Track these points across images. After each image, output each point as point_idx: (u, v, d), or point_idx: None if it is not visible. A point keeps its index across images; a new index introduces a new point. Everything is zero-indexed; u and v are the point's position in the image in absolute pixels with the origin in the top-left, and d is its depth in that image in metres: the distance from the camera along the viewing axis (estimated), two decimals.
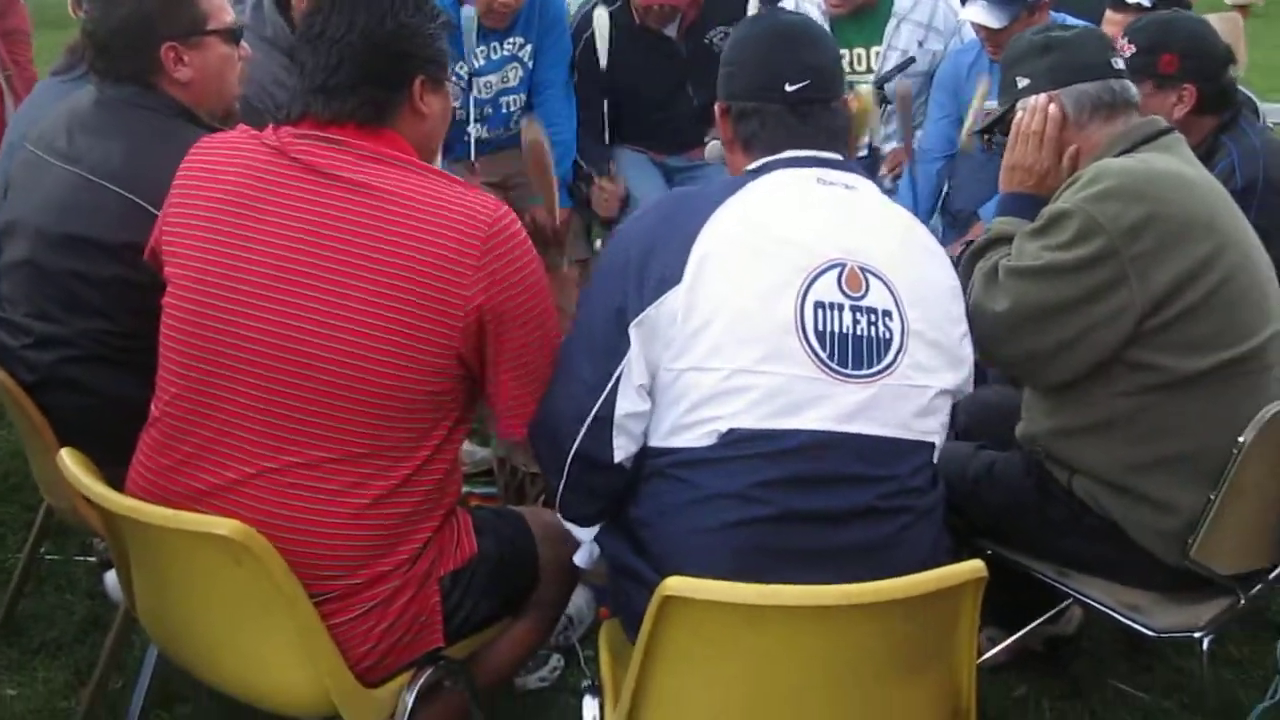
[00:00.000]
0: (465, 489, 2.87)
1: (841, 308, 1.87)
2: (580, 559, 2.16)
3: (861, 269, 1.89)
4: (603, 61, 3.98)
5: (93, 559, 3.14)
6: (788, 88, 2.04)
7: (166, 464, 1.97)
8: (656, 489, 1.92)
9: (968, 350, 2.00)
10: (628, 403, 1.90)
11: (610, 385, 1.90)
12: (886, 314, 1.89)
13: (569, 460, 1.96)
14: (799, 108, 2.04)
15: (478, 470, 3.44)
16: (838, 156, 2.06)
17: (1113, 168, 2.20)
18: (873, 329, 1.87)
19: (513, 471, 3.08)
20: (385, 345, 1.86)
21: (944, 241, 3.58)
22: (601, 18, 3.95)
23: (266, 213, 1.91)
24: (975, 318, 2.12)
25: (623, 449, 1.92)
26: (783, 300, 1.85)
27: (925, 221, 3.82)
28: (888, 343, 1.88)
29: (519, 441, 2.09)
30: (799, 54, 2.08)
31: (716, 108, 2.15)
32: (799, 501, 1.82)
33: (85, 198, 2.31)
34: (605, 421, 1.91)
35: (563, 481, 2.00)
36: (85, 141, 2.37)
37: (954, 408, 2.01)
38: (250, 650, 1.97)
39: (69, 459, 2.00)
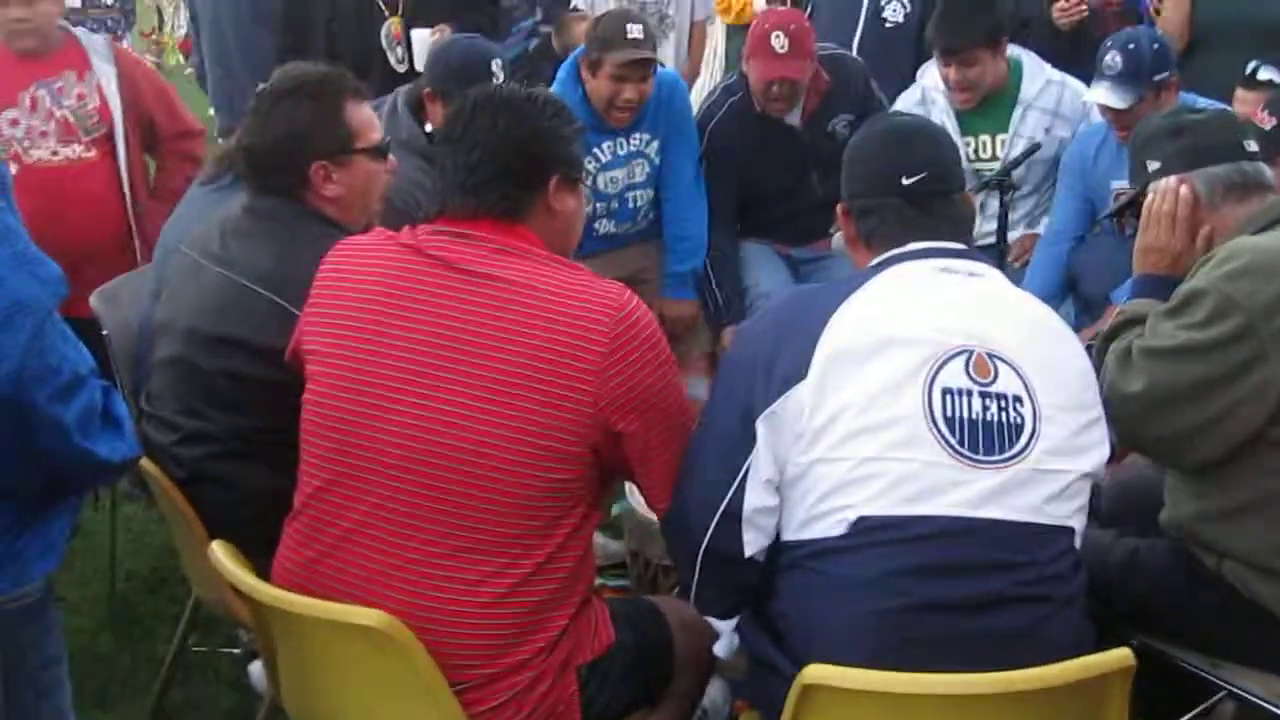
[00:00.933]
0: (599, 581, 2.89)
1: (970, 394, 1.87)
2: (720, 649, 2.16)
3: (989, 355, 1.90)
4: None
5: (238, 650, 3.21)
6: (905, 181, 2.07)
7: (310, 555, 2.03)
8: (793, 581, 1.92)
9: (1102, 434, 1.97)
10: (756, 497, 1.91)
11: (738, 480, 1.92)
12: (1017, 399, 1.88)
13: (701, 555, 1.98)
14: (918, 200, 2.07)
15: (610, 563, 3.45)
16: (961, 246, 2.07)
17: (1247, 245, 2.17)
18: (1003, 414, 1.87)
19: (646, 564, 3.08)
20: (516, 435, 1.90)
21: (1076, 327, 3.54)
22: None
23: (402, 308, 1.98)
24: (1112, 399, 2.10)
25: (753, 543, 1.93)
26: (910, 388, 1.86)
27: (1055, 305, 3.81)
28: (1019, 428, 1.87)
29: (657, 532, 2.11)
30: (915, 149, 2.12)
31: (839, 209, 2.18)
32: (935, 590, 1.80)
33: (237, 300, 2.40)
34: (734, 517, 1.93)
35: (696, 577, 2.01)
36: (236, 246, 2.46)
37: (1093, 492, 1.98)
38: None
39: (220, 551, 2.07)
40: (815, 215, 4.23)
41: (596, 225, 4.03)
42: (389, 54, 4.75)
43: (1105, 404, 2.03)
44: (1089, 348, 2.20)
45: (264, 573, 2.08)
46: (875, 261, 2.06)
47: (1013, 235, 4.19)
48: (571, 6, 5.82)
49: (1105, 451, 1.97)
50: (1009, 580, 1.82)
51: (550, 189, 2.06)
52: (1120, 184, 3.73)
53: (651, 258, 4.25)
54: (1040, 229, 4.22)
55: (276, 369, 2.26)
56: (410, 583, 1.93)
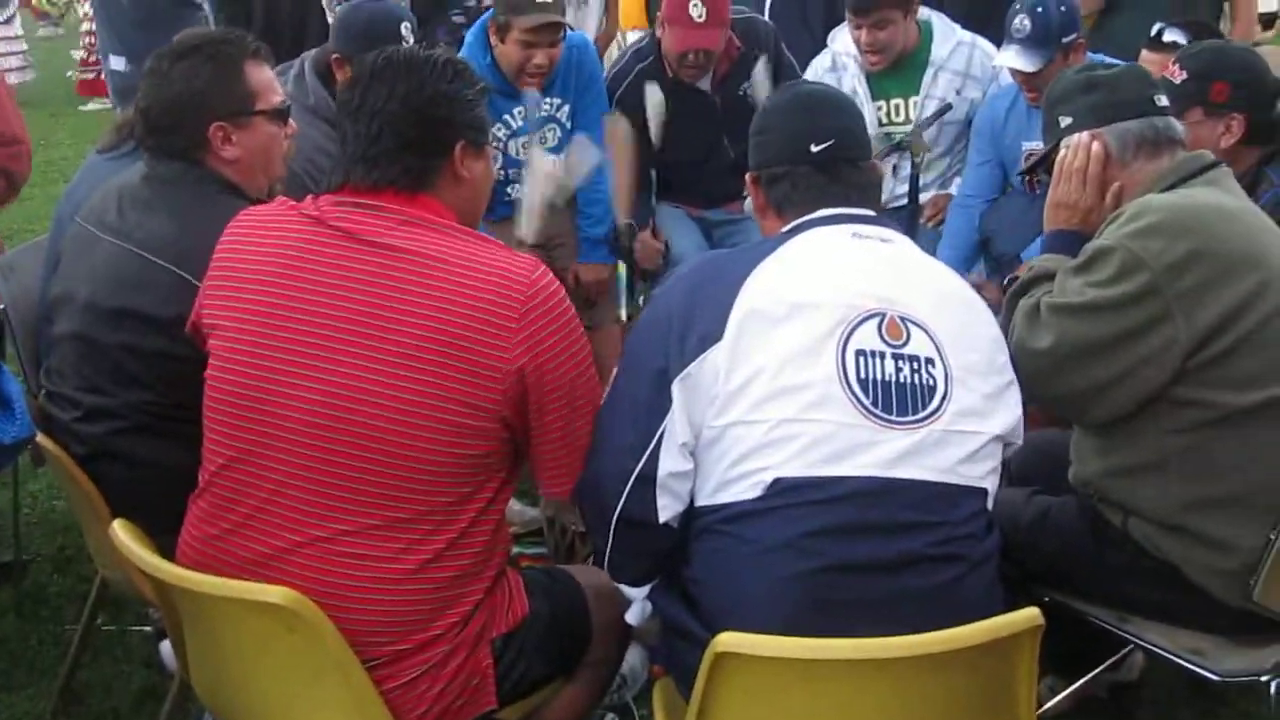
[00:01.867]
0: (515, 549, 2.87)
1: (883, 355, 1.87)
2: (632, 617, 2.15)
3: (901, 318, 1.91)
4: (655, 139, 4.00)
5: (148, 629, 3.16)
6: (813, 148, 2.07)
7: (215, 533, 1.98)
8: (707, 546, 1.91)
9: (1015, 398, 1.99)
10: (670, 462, 1.90)
11: (653, 445, 1.91)
12: (929, 361, 1.90)
13: (614, 521, 1.97)
14: (827, 167, 2.07)
15: (527, 530, 3.44)
16: (871, 212, 2.08)
17: (1155, 203, 2.19)
18: (915, 376, 1.88)
19: (562, 531, 3.08)
20: (427, 410, 1.87)
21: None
22: (654, 92, 3.98)
23: (306, 281, 1.93)
24: (1019, 355, 2.12)
25: (667, 509, 1.93)
26: (824, 350, 1.87)
27: (968, 267, 3.84)
28: (931, 389, 1.88)
29: (566, 501, 2.09)
30: (823, 117, 2.13)
31: (748, 179, 2.18)
32: (850, 550, 1.81)
33: (134, 272, 2.34)
34: (648, 481, 1.91)
35: (609, 543, 2.00)
36: (135, 217, 2.40)
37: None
38: (304, 717, 1.97)
39: (121, 530, 2.02)
40: (728, 178, 4.20)
41: (509, 190, 3.99)
42: (327, 11, 4.66)
43: (1014, 361, 2.05)
44: (996, 308, 2.22)
45: (169, 551, 2.03)
46: (787, 228, 2.06)
47: (925, 195, 4.22)
48: None
49: (1017, 414, 1.98)
50: (923, 540, 1.83)
51: (455, 156, 2.02)
52: (1031, 145, 3.76)
53: (564, 223, 4.20)
54: (953, 189, 4.24)
55: (178, 343, 2.21)
56: (319, 559, 1.90)
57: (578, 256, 4.14)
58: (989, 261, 4.03)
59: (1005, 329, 2.15)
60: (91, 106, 11.37)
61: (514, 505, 3.36)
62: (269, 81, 2.53)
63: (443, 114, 2.01)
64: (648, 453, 1.91)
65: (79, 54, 11.78)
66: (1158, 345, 2.10)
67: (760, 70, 4.11)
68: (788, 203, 2.09)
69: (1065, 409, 2.29)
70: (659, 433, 1.90)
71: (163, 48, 2.51)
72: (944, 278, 2.05)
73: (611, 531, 1.98)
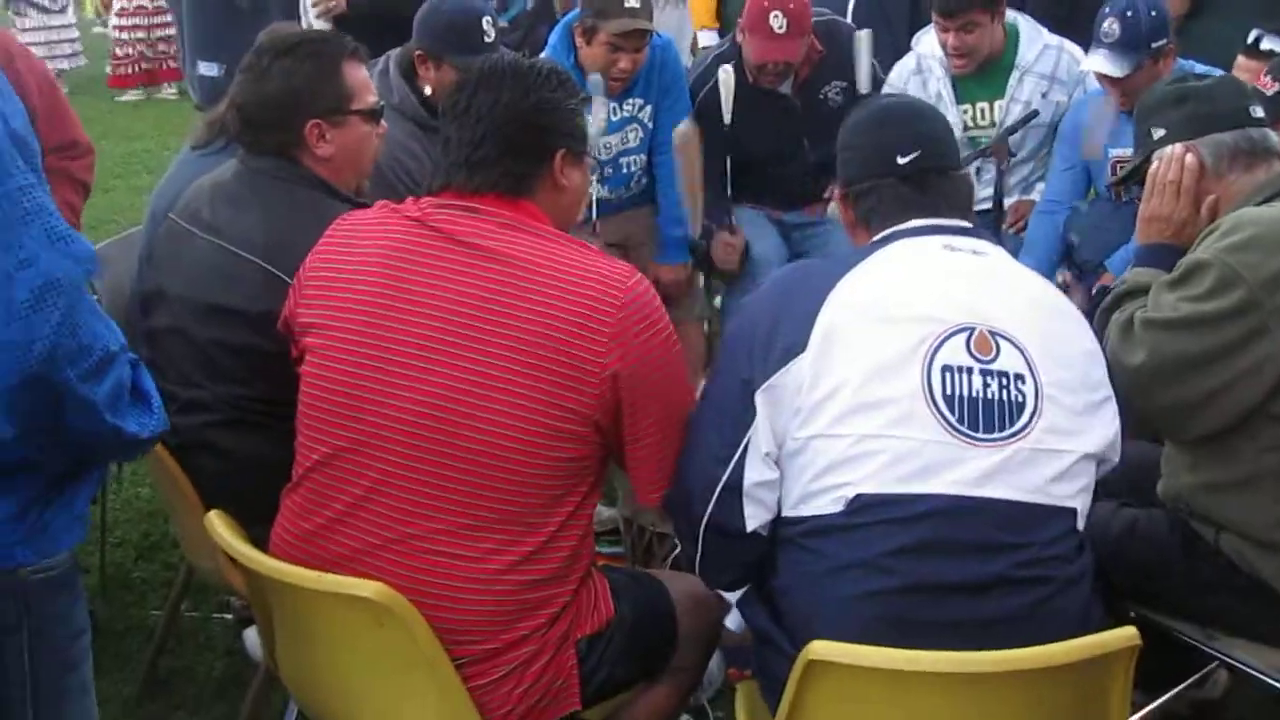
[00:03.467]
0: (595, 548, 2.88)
1: (970, 371, 1.85)
2: (731, 623, 2.15)
3: (991, 333, 1.88)
4: (726, 118, 3.98)
5: (230, 617, 3.21)
6: (900, 160, 2.06)
7: (310, 528, 2.01)
8: (791, 558, 1.91)
9: (1110, 414, 1.95)
10: (755, 472, 1.90)
11: (738, 455, 1.90)
12: (1019, 377, 1.86)
13: (702, 530, 1.97)
14: (914, 178, 2.06)
15: (604, 530, 3.44)
16: (964, 223, 2.05)
17: (1252, 216, 2.16)
18: (1004, 392, 1.85)
19: (640, 531, 3.09)
20: (523, 412, 1.89)
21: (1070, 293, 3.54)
22: (727, 75, 3.96)
23: (407, 282, 1.96)
24: (1112, 370, 2.08)
25: (755, 518, 1.92)
26: (909, 365, 1.85)
27: (1050, 274, 3.80)
28: (1020, 406, 1.85)
29: (658, 508, 2.10)
30: (907, 127, 2.11)
31: (836, 195, 2.17)
32: (930, 571, 1.79)
33: (226, 268, 2.38)
34: (735, 490, 1.91)
35: (699, 551, 2.01)
36: (227, 213, 2.44)
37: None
38: (391, 711, 2.00)
39: (217, 521, 2.06)
40: (807, 181, 4.22)
41: (590, 191, 3.99)
42: None
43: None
44: (1089, 315, 2.19)
45: (259, 542, 2.07)
46: (876, 238, 2.05)
47: (1009, 201, 4.18)
48: None
49: (1113, 431, 1.94)
50: (1007, 561, 1.80)
51: (556, 163, 2.04)
52: (1119, 152, 3.72)
53: (644, 223, 4.22)
54: (1035, 195, 4.20)
55: (268, 338, 2.24)
56: (412, 556, 1.92)
57: (656, 256, 4.16)
58: (1072, 269, 3.99)
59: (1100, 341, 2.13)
60: (128, 97, 11.43)
61: None
62: (365, 81, 2.57)
63: (546, 121, 2.04)
64: (733, 462, 1.91)
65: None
66: (1255, 361, 2.07)
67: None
68: (875, 216, 2.08)
69: (1161, 425, 2.27)
70: (744, 443, 1.90)
71: (262, 43, 2.55)
72: (1040, 290, 2.02)
73: (700, 540, 1.98)
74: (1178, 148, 2.35)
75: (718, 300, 4.47)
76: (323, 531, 1.99)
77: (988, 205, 3.99)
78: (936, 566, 1.79)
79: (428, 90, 3.43)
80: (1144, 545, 2.32)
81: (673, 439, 2.01)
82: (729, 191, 4.21)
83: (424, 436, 1.92)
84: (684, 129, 3.95)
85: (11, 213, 1.49)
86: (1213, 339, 2.09)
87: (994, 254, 2.02)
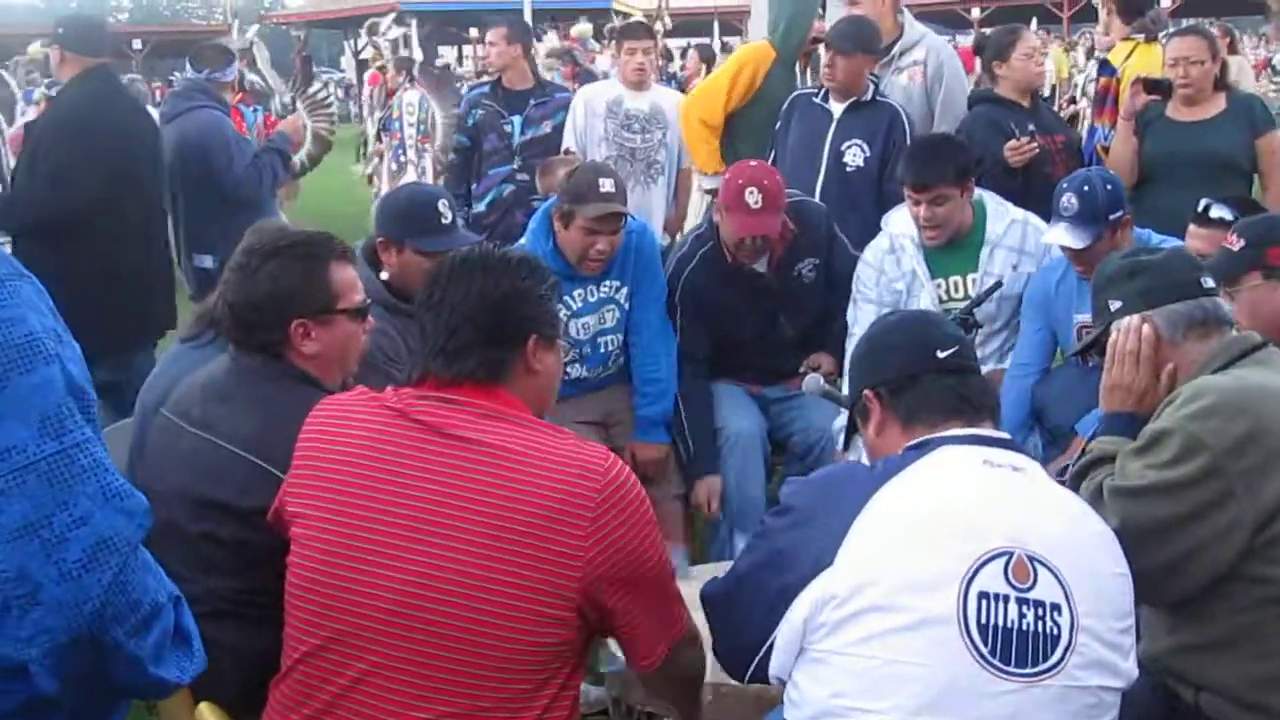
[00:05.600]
0: None
1: (1008, 599, 1.80)
2: None
3: (1030, 558, 1.84)
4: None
5: None
6: (940, 354, 2.08)
7: (299, 719, 2.01)
8: None
9: (1132, 643, 1.93)
10: (776, 667, 1.92)
11: (765, 647, 1.93)
12: (1055, 608, 1.82)
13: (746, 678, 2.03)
14: (954, 373, 2.08)
15: (592, 711, 3.42)
16: (1003, 435, 2.06)
17: (1210, 385, 2.22)
18: (1040, 623, 1.81)
19: (629, 711, 3.07)
20: (505, 599, 1.92)
21: (1044, 459, 3.58)
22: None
23: (388, 472, 2.00)
24: None
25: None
26: (946, 589, 1.81)
27: (1022, 438, 3.85)
28: (1055, 639, 1.81)
29: (638, 678, 2.12)
30: (940, 326, 2.17)
31: (865, 398, 2.15)
32: None
33: (217, 463, 2.42)
34: (763, 668, 1.95)
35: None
36: (217, 409, 2.49)
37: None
38: None
39: (208, 714, 2.06)
40: (785, 356, 4.32)
41: (569, 369, 4.06)
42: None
43: None
44: (1060, 478, 2.23)
45: None
46: (913, 443, 2.02)
47: (984, 369, 4.24)
48: (564, 150, 5.94)
49: (1133, 659, 1.92)
50: None
51: (529, 349, 2.11)
52: (1082, 317, 3.81)
53: (622, 401, 4.28)
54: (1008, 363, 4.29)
55: (258, 531, 2.27)
56: None
57: (634, 435, 4.19)
58: (1043, 433, 4.05)
59: None
60: None
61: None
62: (351, 281, 2.63)
63: (517, 308, 2.11)
64: (761, 653, 1.94)
65: None
66: (1223, 524, 2.12)
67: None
68: (920, 412, 2.06)
69: (1135, 591, 2.29)
70: (769, 641, 1.92)
71: (251, 243, 2.63)
72: (1075, 509, 2.01)
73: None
74: (1135, 319, 2.41)
75: None
76: None
77: None
78: None
79: (384, 275, 3.51)
80: (1126, 710, 2.31)
81: (658, 611, 2.06)
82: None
83: (406, 626, 1.94)
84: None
85: (67, 470, 1.50)
86: (1180, 505, 2.14)
87: (1030, 469, 1.99)
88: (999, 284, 4.06)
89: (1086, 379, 3.71)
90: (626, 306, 4.20)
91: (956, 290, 4.23)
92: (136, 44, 34.90)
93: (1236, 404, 2.16)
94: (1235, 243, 2.85)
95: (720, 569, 2.30)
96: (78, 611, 1.49)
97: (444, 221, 3.52)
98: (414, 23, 21.76)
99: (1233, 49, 9.08)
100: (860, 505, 1.88)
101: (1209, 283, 2.43)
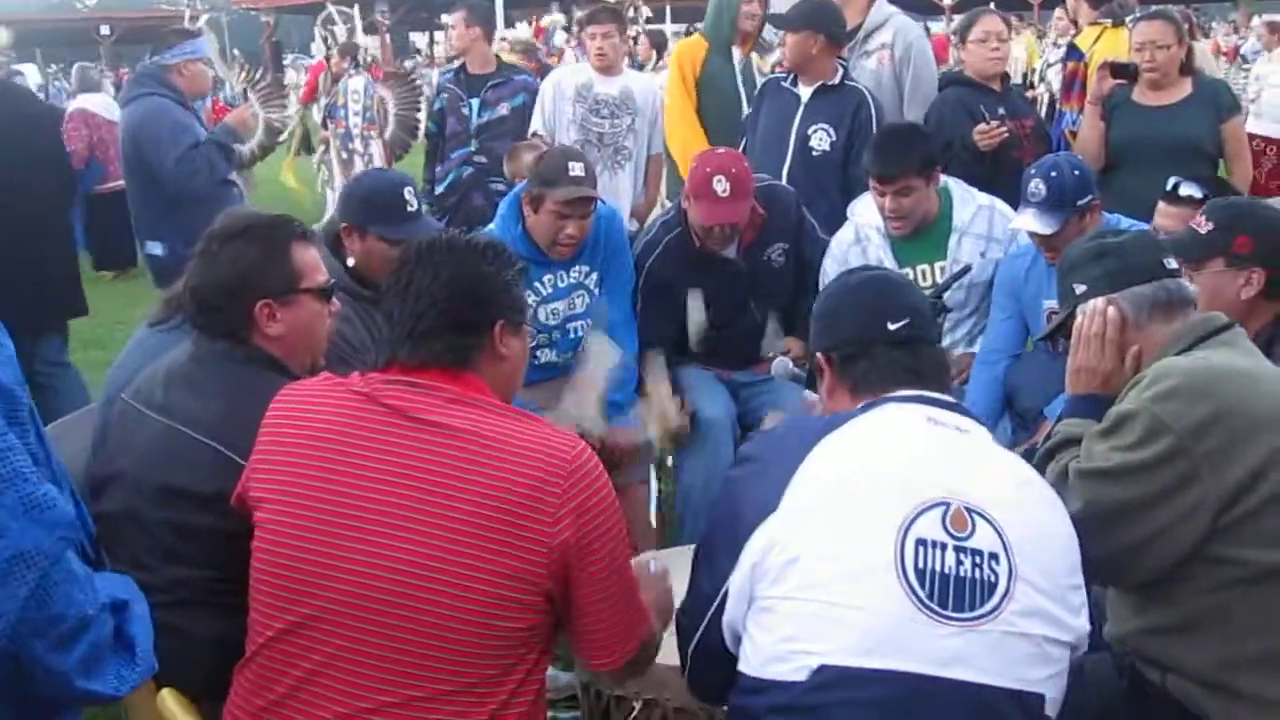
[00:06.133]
0: (550, 715, 2.86)
1: (944, 547, 1.84)
2: None
3: (968, 509, 1.87)
4: (693, 339, 4.17)
5: None
6: (891, 326, 2.10)
7: (261, 704, 2.01)
8: None
9: (1081, 602, 1.95)
10: (737, 611, 1.94)
11: (719, 598, 1.95)
12: (994, 556, 1.85)
13: (691, 651, 2.05)
14: (905, 344, 2.10)
15: (561, 696, 3.42)
16: (949, 398, 2.08)
17: (1175, 367, 2.23)
18: (977, 570, 1.83)
19: (597, 696, 3.06)
20: (473, 583, 1.91)
21: (1012, 443, 3.60)
22: (696, 303, 4.13)
23: (355, 456, 2.00)
24: None
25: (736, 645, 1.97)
26: (884, 536, 1.84)
27: (992, 423, 3.87)
28: (993, 586, 1.83)
29: (608, 673, 2.12)
30: (897, 297, 2.17)
31: (819, 357, 2.19)
32: None
33: (180, 450, 2.39)
34: (716, 625, 1.97)
35: (688, 667, 2.09)
36: (181, 395, 2.46)
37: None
38: None
39: (170, 699, 2.05)
40: (754, 341, 4.31)
41: (538, 354, 4.07)
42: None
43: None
44: (1027, 456, 2.23)
45: (211, 719, 2.06)
46: (860, 405, 2.06)
47: (953, 354, 4.26)
48: (531, 133, 5.94)
49: (1083, 621, 1.93)
50: None
51: (495, 334, 2.11)
52: (1051, 303, 3.82)
53: None
54: (977, 348, 4.30)
55: (222, 518, 2.26)
56: None
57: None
58: (1013, 418, 4.07)
59: None
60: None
61: (549, 670, 3.35)
62: (314, 261, 2.62)
63: (484, 293, 2.11)
64: (716, 601, 1.96)
65: None
66: (1187, 505, 2.13)
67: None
68: (865, 381, 2.10)
69: (1100, 572, 2.29)
70: (724, 588, 1.94)
71: (213, 228, 2.61)
72: (1020, 472, 2.03)
73: (690, 659, 2.06)
74: (1099, 301, 2.42)
75: (670, 460, 4.50)
76: (274, 708, 1.99)
77: None
78: None
79: (350, 261, 3.51)
80: (1092, 689, 2.32)
81: (618, 603, 2.04)
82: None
83: (372, 610, 1.93)
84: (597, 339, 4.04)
85: None
86: (1145, 486, 2.15)
87: (977, 432, 2.03)
88: (967, 269, 4.07)
89: (1055, 364, 3.73)
90: (596, 292, 4.19)
91: (925, 279, 4.23)
92: (105, 29, 34.63)
93: (1200, 386, 2.17)
94: (1204, 225, 2.85)
95: (689, 551, 2.30)
96: None
97: (409, 209, 3.52)
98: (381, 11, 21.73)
99: (1193, 34, 9.13)
100: (804, 453, 1.92)
101: (1173, 264, 2.44)
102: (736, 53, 5.82)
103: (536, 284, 4.01)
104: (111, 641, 1.60)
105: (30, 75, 20.04)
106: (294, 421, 2.09)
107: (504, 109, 6.31)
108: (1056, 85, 6.17)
